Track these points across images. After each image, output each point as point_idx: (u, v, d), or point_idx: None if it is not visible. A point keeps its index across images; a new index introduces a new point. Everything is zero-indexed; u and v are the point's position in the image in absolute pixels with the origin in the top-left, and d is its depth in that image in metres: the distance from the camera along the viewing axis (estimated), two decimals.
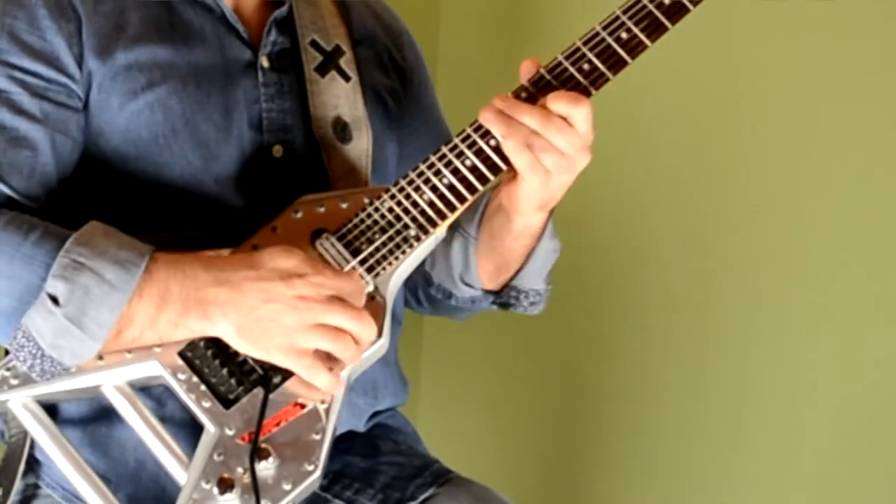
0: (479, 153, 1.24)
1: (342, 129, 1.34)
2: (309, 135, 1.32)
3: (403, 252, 1.23)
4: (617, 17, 1.24)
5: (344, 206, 1.25)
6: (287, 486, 1.15)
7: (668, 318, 2.05)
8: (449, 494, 1.31)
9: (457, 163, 1.24)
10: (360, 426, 1.39)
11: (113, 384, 1.18)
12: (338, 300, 1.16)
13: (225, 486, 1.15)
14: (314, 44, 1.36)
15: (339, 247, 1.23)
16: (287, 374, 1.19)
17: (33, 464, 1.24)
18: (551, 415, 2.22)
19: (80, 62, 1.23)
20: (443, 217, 1.24)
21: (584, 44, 1.24)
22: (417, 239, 1.24)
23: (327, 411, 1.18)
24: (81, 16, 1.24)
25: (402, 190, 1.24)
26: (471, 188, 1.24)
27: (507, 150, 1.22)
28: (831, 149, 1.88)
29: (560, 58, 1.24)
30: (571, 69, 1.24)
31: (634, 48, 1.24)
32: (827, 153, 1.89)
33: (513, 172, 1.24)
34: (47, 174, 1.22)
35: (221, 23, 1.31)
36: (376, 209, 1.24)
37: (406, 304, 1.53)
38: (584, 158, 1.23)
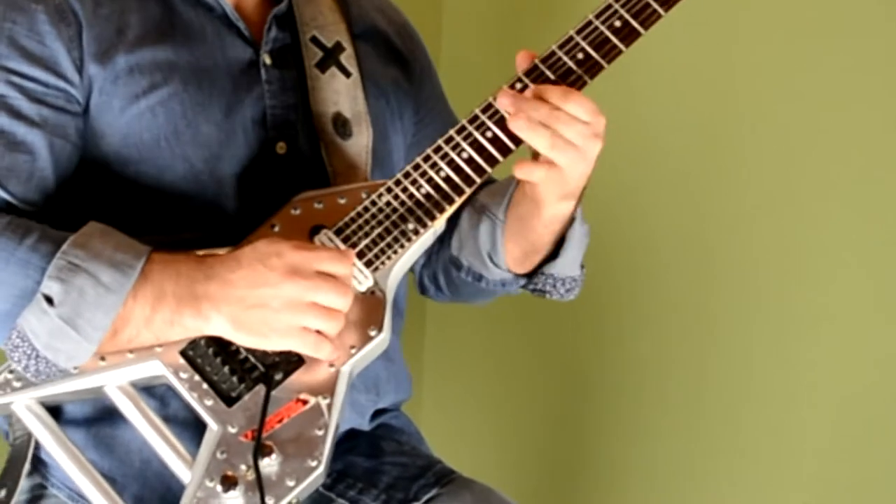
0: (476, 144, 1.24)
1: (342, 125, 1.34)
2: (311, 131, 1.33)
3: (402, 246, 1.24)
4: (610, 6, 1.24)
5: (342, 201, 1.25)
6: (291, 483, 1.15)
7: (668, 318, 2.05)
8: (452, 495, 1.31)
9: (453, 155, 1.24)
10: (364, 424, 1.39)
11: (116, 384, 1.19)
12: (321, 275, 1.16)
13: (229, 483, 1.15)
14: (314, 40, 1.37)
15: (338, 242, 1.23)
16: (288, 371, 1.19)
17: (39, 464, 1.24)
18: (553, 415, 2.22)
19: (79, 67, 1.23)
20: (441, 210, 1.24)
21: (578, 33, 1.24)
22: (416, 232, 1.24)
23: (329, 407, 1.18)
24: (82, 20, 1.24)
25: (399, 184, 1.25)
26: (468, 180, 1.24)
27: (526, 136, 1.21)
28: (831, 149, 1.88)
29: (554, 48, 1.24)
30: (566, 59, 1.24)
31: (628, 36, 1.23)
32: (827, 153, 1.89)
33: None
34: (45, 178, 1.22)
35: (222, 21, 1.31)
36: (374, 203, 1.24)
37: (423, 292, 1.54)
38: (595, 145, 1.22)
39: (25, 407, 1.19)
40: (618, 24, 1.23)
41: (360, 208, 1.24)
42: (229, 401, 1.18)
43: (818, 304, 1.91)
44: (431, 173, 1.24)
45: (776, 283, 1.94)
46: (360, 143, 1.35)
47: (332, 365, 1.18)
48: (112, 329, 1.14)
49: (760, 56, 1.94)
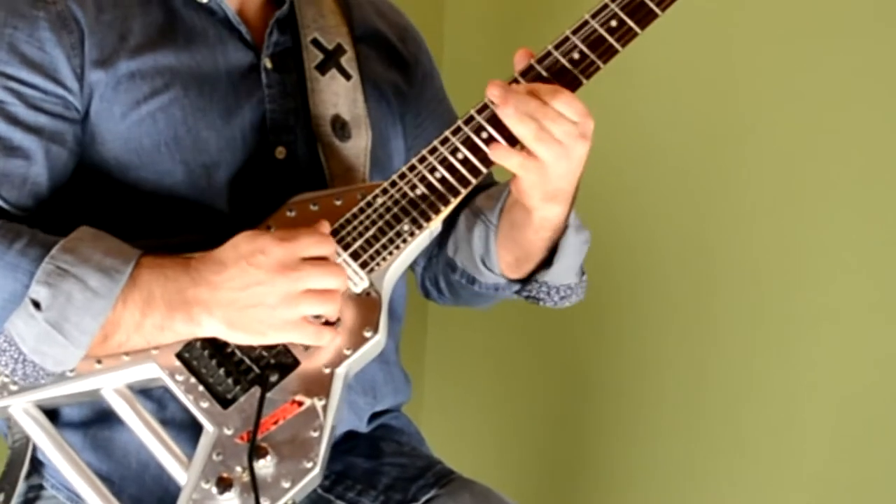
0: (471, 146, 1.23)
1: (341, 128, 1.34)
2: (309, 134, 1.32)
3: (398, 247, 1.23)
4: (606, 6, 1.23)
5: (338, 203, 1.25)
6: (286, 484, 1.15)
7: (668, 319, 2.05)
8: (451, 495, 1.31)
9: (449, 156, 1.24)
10: (362, 426, 1.39)
11: (112, 387, 1.19)
12: (308, 260, 1.16)
13: (224, 485, 1.15)
14: (315, 42, 1.36)
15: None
16: (284, 373, 1.19)
17: (38, 465, 1.25)
18: (553, 415, 2.22)
19: (80, 74, 1.23)
20: (436, 210, 1.24)
21: (574, 33, 1.23)
22: (411, 234, 1.23)
23: (325, 408, 1.18)
24: (84, 27, 1.23)
25: (394, 185, 1.24)
26: (463, 181, 1.24)
27: (512, 125, 1.20)
28: (831, 149, 1.88)
29: (550, 48, 1.23)
30: (561, 59, 1.23)
31: (624, 36, 1.23)
32: (827, 153, 1.89)
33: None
34: (39, 185, 1.22)
35: (224, 25, 1.30)
36: (369, 205, 1.24)
37: (427, 295, 1.54)
38: (581, 146, 1.21)
39: (23, 410, 1.19)
40: (614, 23, 1.23)
41: (355, 210, 1.24)
42: (225, 403, 1.18)
43: (818, 304, 1.91)
44: (426, 174, 1.24)
45: (776, 283, 1.94)
46: (358, 146, 1.35)
47: (328, 366, 1.18)
48: (102, 334, 1.14)
49: (760, 56, 1.93)
